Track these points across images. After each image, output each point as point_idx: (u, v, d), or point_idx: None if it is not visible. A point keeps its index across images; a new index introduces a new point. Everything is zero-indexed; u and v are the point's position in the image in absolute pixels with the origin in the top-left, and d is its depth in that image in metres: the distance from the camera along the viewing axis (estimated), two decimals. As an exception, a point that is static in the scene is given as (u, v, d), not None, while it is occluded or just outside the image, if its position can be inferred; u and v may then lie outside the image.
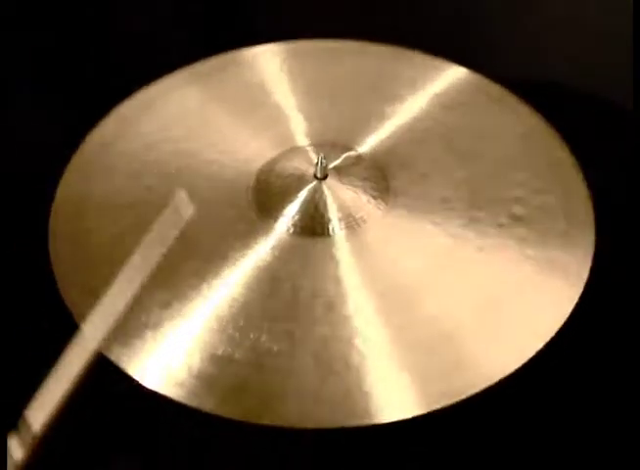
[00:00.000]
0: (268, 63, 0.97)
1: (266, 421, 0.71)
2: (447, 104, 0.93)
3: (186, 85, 0.94)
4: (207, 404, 0.71)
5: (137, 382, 0.73)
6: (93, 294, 0.77)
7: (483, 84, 0.95)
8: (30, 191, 0.91)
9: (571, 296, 0.79)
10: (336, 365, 0.73)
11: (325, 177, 0.83)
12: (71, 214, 0.84)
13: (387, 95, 0.94)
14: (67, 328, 0.76)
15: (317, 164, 0.83)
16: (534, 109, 0.91)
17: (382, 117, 0.91)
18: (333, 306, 0.76)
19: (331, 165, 0.84)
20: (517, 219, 0.84)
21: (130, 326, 0.75)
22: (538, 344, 0.75)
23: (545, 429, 0.85)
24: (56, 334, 0.80)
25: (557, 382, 0.88)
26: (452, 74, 0.96)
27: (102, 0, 1.11)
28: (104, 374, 0.78)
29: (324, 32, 0.97)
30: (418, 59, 0.97)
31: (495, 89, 0.94)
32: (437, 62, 0.96)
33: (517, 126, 0.92)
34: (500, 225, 0.83)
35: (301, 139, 0.89)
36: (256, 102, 0.93)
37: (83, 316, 0.76)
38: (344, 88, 0.95)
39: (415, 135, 0.90)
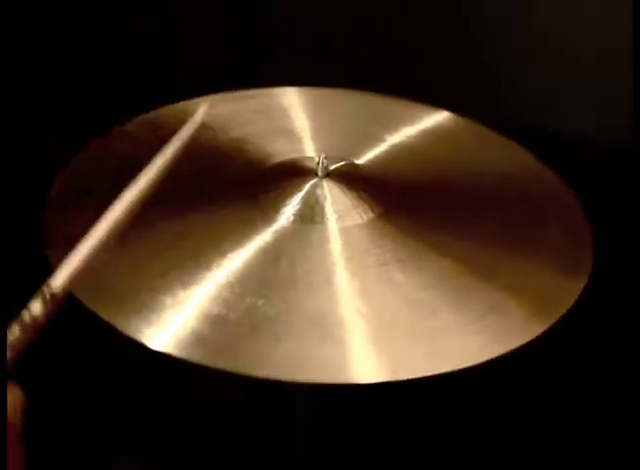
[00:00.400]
0: (285, 96, 1.01)
1: (258, 373, 0.69)
2: (439, 137, 0.98)
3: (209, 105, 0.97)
4: (198, 356, 0.70)
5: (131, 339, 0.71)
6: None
7: (469, 125, 0.99)
8: (32, 187, 0.92)
9: (569, 296, 0.79)
10: (332, 331, 0.73)
11: (326, 176, 0.85)
12: (69, 199, 0.85)
13: (386, 127, 0.97)
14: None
15: (318, 162, 0.85)
16: (520, 136, 0.94)
17: (383, 142, 0.95)
18: (330, 282, 0.77)
19: (332, 167, 0.86)
20: (516, 226, 0.85)
21: (126, 290, 0.75)
22: (527, 337, 0.75)
23: (537, 429, 0.83)
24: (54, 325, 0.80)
25: (554, 382, 0.86)
26: (442, 117, 1.00)
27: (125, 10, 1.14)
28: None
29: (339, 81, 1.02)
30: (412, 106, 1.01)
31: (481, 131, 0.98)
32: (428, 109, 1.01)
33: (504, 159, 0.95)
34: (495, 231, 0.84)
35: (309, 153, 0.92)
36: (275, 123, 0.96)
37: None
38: (349, 121, 1.00)
39: (412, 157, 0.94)
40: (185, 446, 0.81)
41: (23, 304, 0.87)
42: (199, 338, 0.71)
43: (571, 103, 1.01)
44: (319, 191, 0.84)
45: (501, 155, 0.96)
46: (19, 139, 1.00)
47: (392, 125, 0.98)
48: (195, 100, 0.97)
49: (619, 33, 0.92)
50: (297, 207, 0.83)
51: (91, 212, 0.81)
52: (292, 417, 0.79)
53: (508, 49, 1.02)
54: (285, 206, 0.83)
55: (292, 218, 0.82)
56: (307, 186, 0.84)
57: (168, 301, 0.74)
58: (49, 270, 0.76)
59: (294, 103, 1.01)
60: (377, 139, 0.95)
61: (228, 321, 0.73)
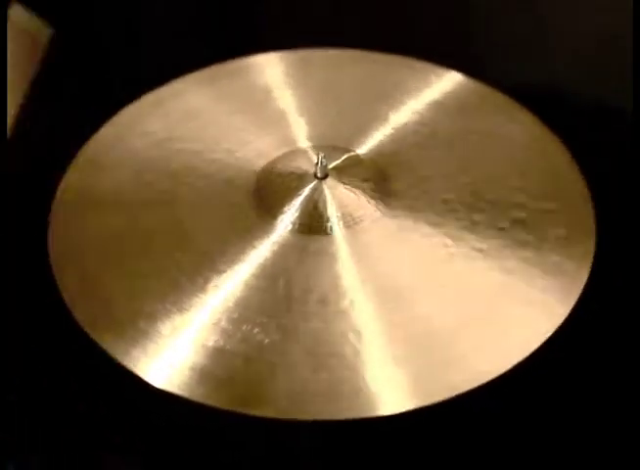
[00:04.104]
0: (274, 69, 0.98)
1: (256, 412, 0.70)
2: (448, 110, 0.94)
3: (193, 89, 0.96)
4: (197, 394, 0.71)
5: (128, 370, 0.73)
6: (88, 284, 0.79)
7: (482, 90, 0.96)
8: (35, 186, 0.92)
9: (570, 298, 0.79)
10: (328, 359, 0.73)
11: (325, 177, 0.84)
12: (71, 207, 0.84)
13: (388, 101, 0.95)
14: (62, 318, 0.77)
15: (317, 163, 0.84)
16: (534, 113, 0.91)
17: (384, 122, 0.92)
18: (328, 302, 0.76)
19: (331, 165, 0.84)
20: (517, 223, 0.84)
21: (124, 316, 0.76)
22: (532, 345, 0.75)
23: (540, 430, 0.84)
24: (52, 323, 0.81)
25: (552, 384, 0.87)
26: (451, 81, 0.97)
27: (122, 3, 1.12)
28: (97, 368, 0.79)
29: (326, 42, 0.99)
30: (417, 66, 0.98)
31: (495, 95, 0.96)
32: (436, 68, 0.98)
33: (517, 133, 0.92)
34: (500, 228, 0.83)
35: (304, 142, 0.90)
36: (261, 106, 0.94)
37: (77, 305, 0.77)
38: (347, 94, 0.96)
39: (417, 139, 0.91)
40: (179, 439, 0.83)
41: (25, 306, 0.89)
42: (196, 373, 0.72)
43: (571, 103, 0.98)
44: (318, 195, 0.83)
45: (510, 126, 0.93)
46: (27, 136, 0.99)
47: (396, 98, 0.95)
48: (184, 77, 0.96)
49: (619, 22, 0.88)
50: (296, 214, 0.82)
51: (94, 220, 0.84)
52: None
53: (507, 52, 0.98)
54: (283, 213, 0.82)
55: (290, 227, 0.81)
56: (306, 190, 0.83)
57: (165, 329, 0.75)
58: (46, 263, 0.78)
59: (280, 75, 0.97)
60: (379, 120, 0.92)
61: (224, 352, 0.73)
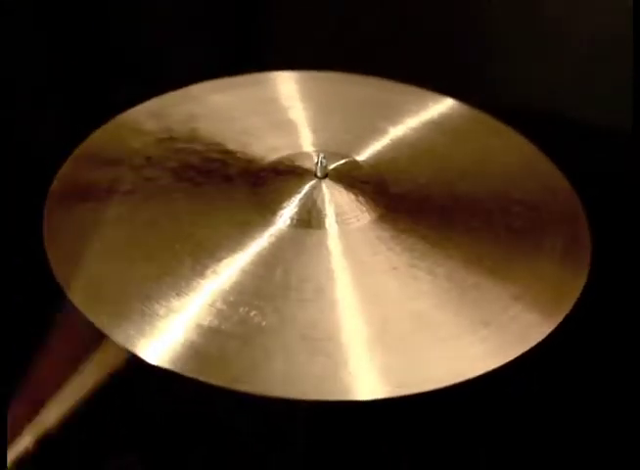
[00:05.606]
0: (285, 85, 1.01)
1: (249, 389, 0.70)
2: (444, 131, 0.96)
3: (204, 95, 0.97)
4: (190, 370, 0.71)
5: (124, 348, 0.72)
6: (84, 268, 0.79)
7: (476, 116, 0.99)
8: (35, 182, 0.92)
9: (564, 307, 0.79)
10: (322, 344, 0.73)
11: (325, 177, 0.85)
12: (67, 195, 0.85)
13: (387, 118, 0.96)
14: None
15: (317, 163, 0.85)
16: (529, 131, 0.93)
17: (385, 135, 0.94)
18: (323, 291, 0.77)
19: (331, 167, 0.86)
20: (514, 232, 0.85)
21: (119, 297, 0.76)
22: (522, 349, 0.75)
23: (531, 433, 0.84)
24: (46, 309, 0.80)
25: (542, 389, 0.87)
26: (446, 106, 0.99)
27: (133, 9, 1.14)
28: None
29: (335, 67, 1.01)
30: (415, 91, 1.01)
31: (488, 121, 0.98)
32: (433, 95, 1.00)
33: (511, 153, 0.94)
34: (497, 235, 0.84)
35: (307, 147, 0.91)
36: (269, 114, 0.95)
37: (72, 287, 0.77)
38: (349, 110, 0.98)
39: (414, 153, 0.92)
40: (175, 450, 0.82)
41: (22, 298, 0.89)
42: (190, 350, 0.72)
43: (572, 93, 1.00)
44: (317, 193, 0.84)
45: (504, 148, 0.95)
46: (17, 135, 0.99)
47: (395, 116, 0.97)
48: (194, 86, 0.98)
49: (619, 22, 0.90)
50: (295, 210, 0.83)
51: (90, 209, 0.84)
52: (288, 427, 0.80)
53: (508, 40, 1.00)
54: (282, 208, 0.83)
55: (289, 222, 0.82)
56: (306, 188, 0.84)
57: (162, 310, 0.75)
58: (46, 268, 0.78)
59: (291, 90, 1.00)
60: (379, 132, 0.94)
61: (220, 333, 0.73)
